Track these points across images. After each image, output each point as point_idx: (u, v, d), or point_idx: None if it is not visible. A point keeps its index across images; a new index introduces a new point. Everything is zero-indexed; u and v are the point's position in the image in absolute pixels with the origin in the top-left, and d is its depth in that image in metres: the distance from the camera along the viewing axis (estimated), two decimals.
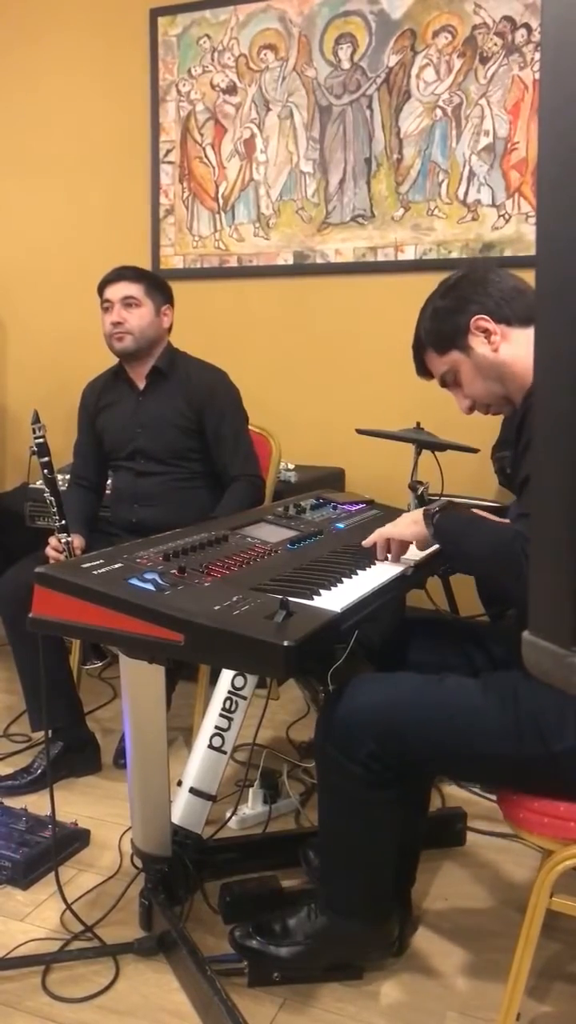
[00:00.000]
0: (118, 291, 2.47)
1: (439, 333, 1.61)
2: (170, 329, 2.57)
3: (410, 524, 1.58)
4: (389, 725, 1.40)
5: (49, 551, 2.31)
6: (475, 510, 1.69)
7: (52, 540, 2.31)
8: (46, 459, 2.24)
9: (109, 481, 2.66)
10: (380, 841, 1.49)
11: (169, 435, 2.48)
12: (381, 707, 1.41)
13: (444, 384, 1.67)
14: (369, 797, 1.43)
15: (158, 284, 2.54)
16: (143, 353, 2.51)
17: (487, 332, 1.56)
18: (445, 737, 1.39)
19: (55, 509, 2.25)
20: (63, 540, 2.27)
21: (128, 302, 2.46)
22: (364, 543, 1.64)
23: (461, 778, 2.19)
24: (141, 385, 2.54)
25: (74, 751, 2.35)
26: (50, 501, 2.26)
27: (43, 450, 2.23)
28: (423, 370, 1.70)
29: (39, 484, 2.98)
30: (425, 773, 1.70)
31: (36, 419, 2.25)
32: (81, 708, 2.42)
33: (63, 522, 2.27)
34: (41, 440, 2.23)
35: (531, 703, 1.34)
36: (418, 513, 1.57)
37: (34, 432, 2.24)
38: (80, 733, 2.38)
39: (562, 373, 0.54)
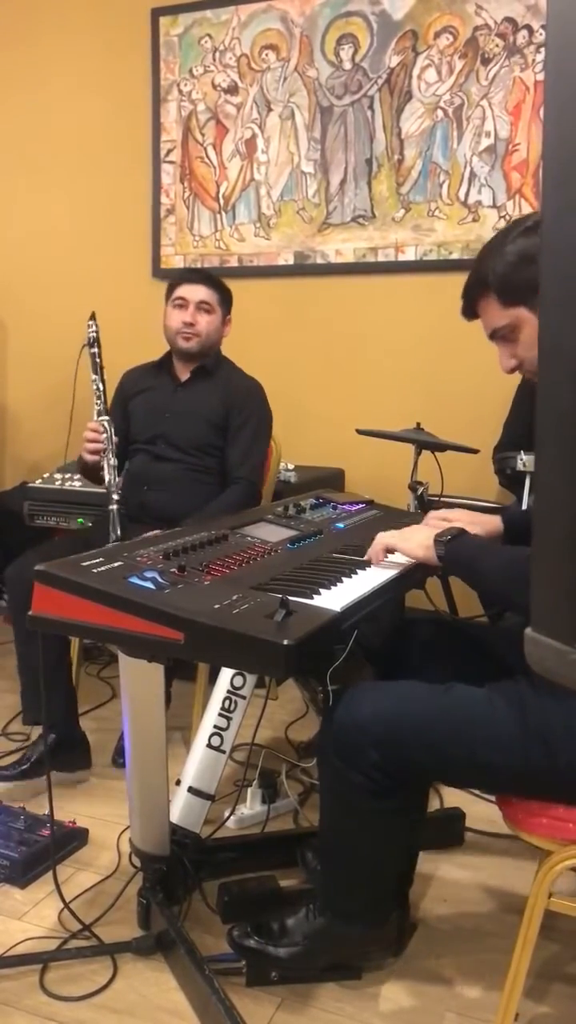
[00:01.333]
0: (197, 293, 2.56)
1: (511, 282, 1.40)
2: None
3: (421, 547, 1.50)
4: (393, 736, 1.37)
5: (88, 434, 2.39)
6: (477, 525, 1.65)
7: (91, 424, 2.40)
8: (96, 350, 2.45)
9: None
10: (382, 849, 1.49)
11: (197, 426, 2.55)
12: (385, 717, 1.39)
13: (493, 337, 1.49)
14: (371, 806, 1.41)
15: (228, 295, 2.65)
16: (202, 355, 2.60)
17: None
18: (450, 749, 1.37)
19: (100, 395, 2.40)
20: (103, 422, 2.37)
21: (203, 307, 2.57)
22: (370, 554, 1.56)
23: (463, 787, 2.18)
24: (183, 378, 2.63)
25: (66, 748, 2.34)
26: (97, 388, 2.41)
27: (94, 343, 2.45)
28: (471, 312, 1.50)
29: (38, 483, 3.01)
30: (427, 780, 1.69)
31: (93, 317, 2.48)
32: (76, 705, 2.41)
33: (105, 406, 2.40)
34: (95, 334, 2.45)
35: (538, 716, 1.33)
36: (428, 537, 1.49)
37: (89, 327, 2.45)
38: (72, 730, 2.37)
39: (565, 371, 0.54)
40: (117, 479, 2.36)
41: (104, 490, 2.38)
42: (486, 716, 1.36)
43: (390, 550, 1.55)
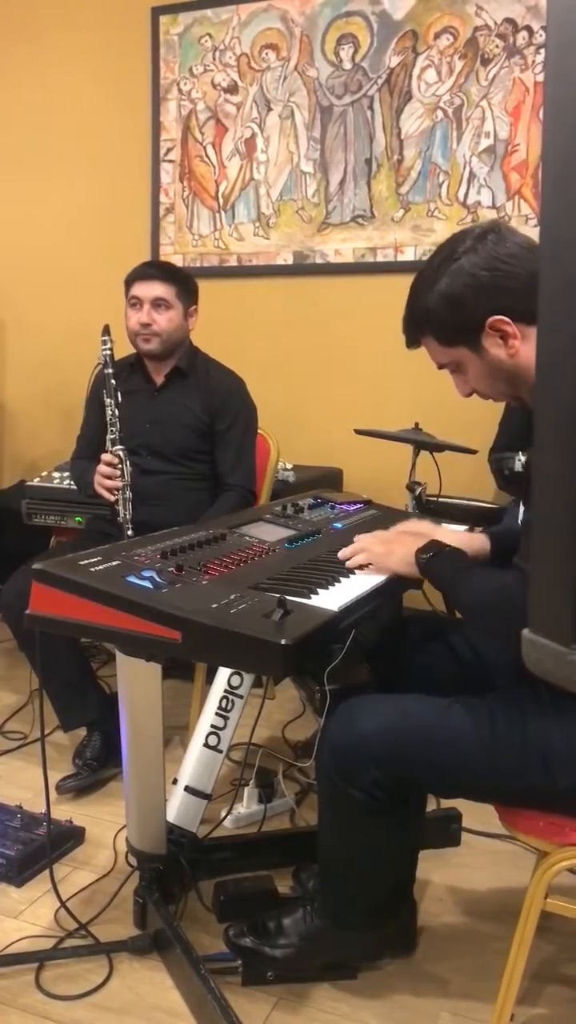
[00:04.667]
0: (150, 291, 2.41)
1: (446, 324, 1.37)
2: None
3: (403, 563, 1.47)
4: (393, 754, 1.36)
5: (103, 468, 2.30)
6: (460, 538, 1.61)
7: (105, 456, 2.30)
8: (111, 371, 2.31)
9: None
10: (381, 861, 1.48)
11: (179, 433, 2.46)
12: (385, 735, 1.37)
13: (441, 367, 1.48)
14: (371, 822, 1.41)
15: (189, 286, 2.49)
16: (166, 354, 2.49)
17: (505, 335, 1.33)
18: (450, 767, 1.36)
19: (115, 421, 2.29)
20: (117, 452, 2.28)
21: (159, 303, 2.41)
22: (345, 556, 1.53)
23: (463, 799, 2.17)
24: (159, 381, 2.52)
25: (115, 744, 2.29)
26: (112, 412, 2.28)
27: (109, 362, 2.31)
28: (414, 344, 1.48)
29: (36, 481, 3.01)
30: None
31: (107, 331, 2.32)
32: (111, 700, 2.35)
33: (119, 434, 2.29)
34: (109, 352, 2.31)
35: (540, 737, 1.32)
36: (410, 553, 1.46)
37: (104, 344, 2.30)
38: (117, 724, 2.32)
39: (565, 373, 0.54)
40: (130, 515, 2.26)
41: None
42: (487, 735, 1.34)
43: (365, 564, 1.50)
